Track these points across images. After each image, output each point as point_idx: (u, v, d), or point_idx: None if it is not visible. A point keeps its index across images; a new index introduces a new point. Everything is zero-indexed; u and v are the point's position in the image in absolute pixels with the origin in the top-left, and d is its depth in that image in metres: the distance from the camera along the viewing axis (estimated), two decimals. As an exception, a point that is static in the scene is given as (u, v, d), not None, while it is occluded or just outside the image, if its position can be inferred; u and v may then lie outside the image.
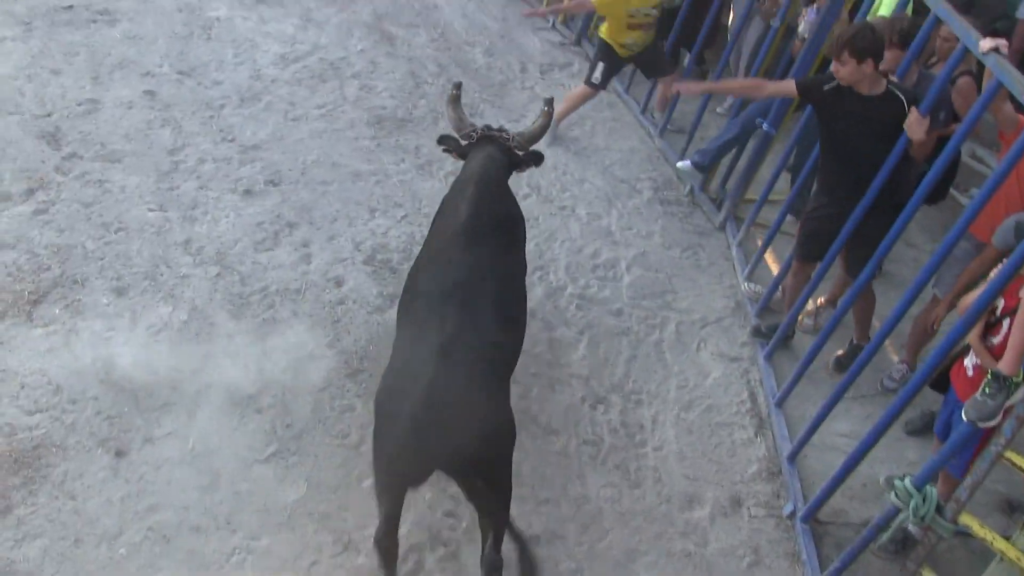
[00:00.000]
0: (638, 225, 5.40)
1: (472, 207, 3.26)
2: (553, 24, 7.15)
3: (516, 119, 5.94)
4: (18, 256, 4.56)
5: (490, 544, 3.04)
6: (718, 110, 6.16)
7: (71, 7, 6.82)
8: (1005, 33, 5.44)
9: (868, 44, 3.61)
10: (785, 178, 5.17)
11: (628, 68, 6.24)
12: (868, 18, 4.24)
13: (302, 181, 5.21)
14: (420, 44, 6.69)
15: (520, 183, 5.40)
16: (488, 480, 2.96)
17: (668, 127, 5.95)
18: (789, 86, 4.05)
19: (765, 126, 5.05)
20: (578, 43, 6.93)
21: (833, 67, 3.78)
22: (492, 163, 3.51)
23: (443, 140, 3.71)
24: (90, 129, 5.52)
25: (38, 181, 5.07)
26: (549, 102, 3.95)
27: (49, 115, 5.61)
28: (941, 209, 5.17)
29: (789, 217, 4.80)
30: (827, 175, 4.08)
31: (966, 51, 3.39)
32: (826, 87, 3.87)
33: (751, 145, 5.28)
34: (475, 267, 3.11)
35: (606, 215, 5.44)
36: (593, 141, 6.02)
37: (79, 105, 5.72)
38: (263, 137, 5.53)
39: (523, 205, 5.19)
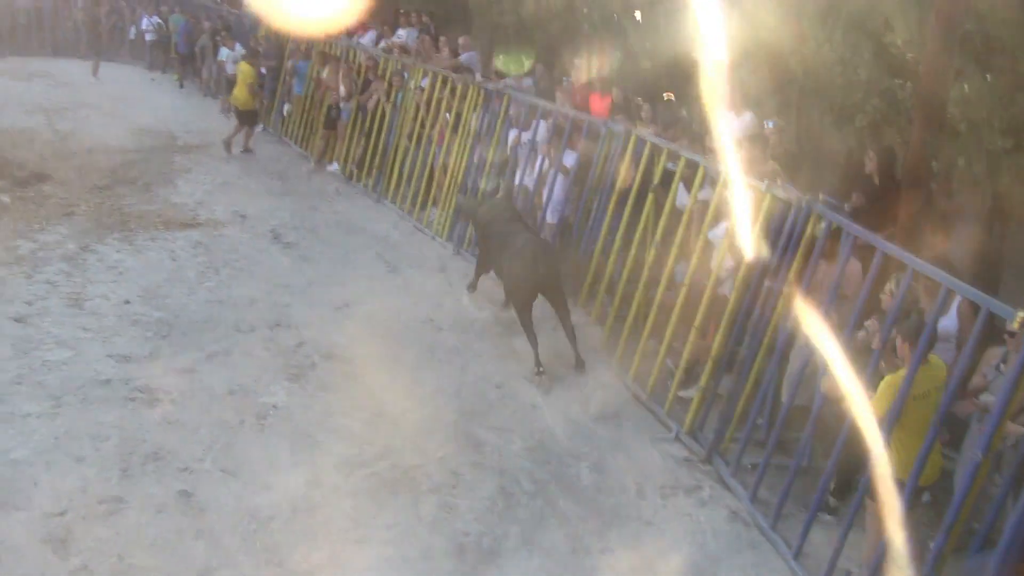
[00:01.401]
0: None
1: (511, 212, 9.16)
2: (677, 434, 7.39)
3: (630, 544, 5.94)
4: None
5: (568, 328, 8.28)
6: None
7: (108, 381, 7.41)
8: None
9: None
10: None
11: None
12: None
13: (363, 626, 5.16)
14: (514, 453, 6.96)
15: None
16: (559, 296, 8.34)
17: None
18: None
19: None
20: (708, 460, 7.09)
21: None
22: (505, 202, 9.39)
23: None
24: (108, 535, 5.69)
25: (32, 605, 5.12)
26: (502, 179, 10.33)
27: (63, 514, 5.84)
28: None
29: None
30: None
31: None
32: None
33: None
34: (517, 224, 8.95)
35: None
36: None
37: (100, 503, 5.97)
38: (317, 562, 5.60)
39: None
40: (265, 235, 11.35)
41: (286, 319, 8.93)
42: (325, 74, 14.38)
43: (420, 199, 12.24)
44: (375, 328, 8.91)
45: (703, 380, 7.48)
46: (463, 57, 13.02)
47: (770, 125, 9.12)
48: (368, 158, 13.46)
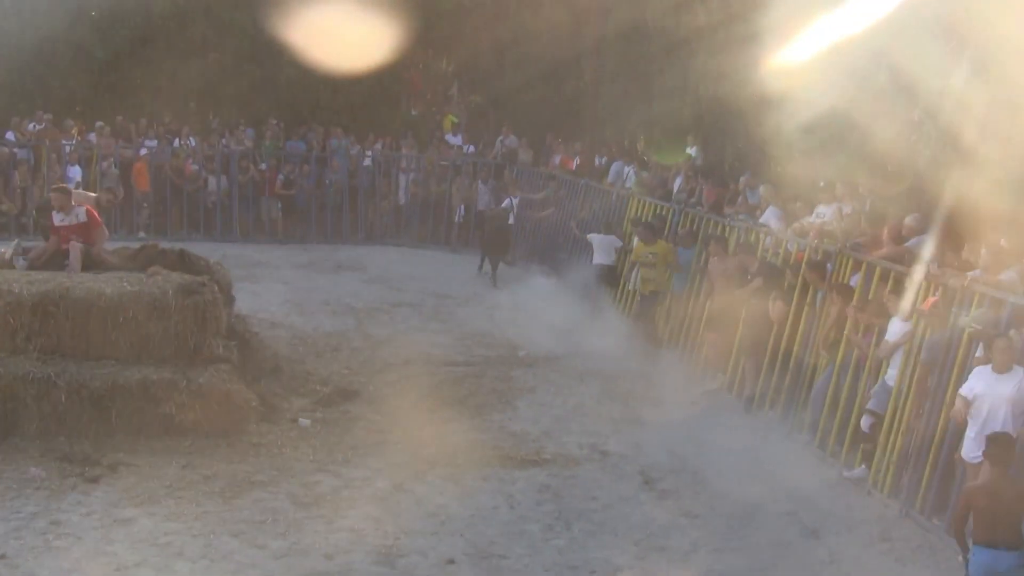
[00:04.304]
0: None
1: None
2: None
3: None
4: None
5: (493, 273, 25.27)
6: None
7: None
8: None
9: None
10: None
11: None
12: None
13: None
14: None
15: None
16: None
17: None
18: None
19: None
20: None
21: None
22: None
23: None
24: None
25: None
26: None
27: None
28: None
29: None
30: None
31: None
32: None
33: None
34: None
35: None
36: None
37: None
38: None
39: None
40: (633, 478, 11.21)
41: (662, 595, 8.41)
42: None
43: (849, 437, 11.49)
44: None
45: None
46: (911, 243, 12.17)
47: None
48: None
